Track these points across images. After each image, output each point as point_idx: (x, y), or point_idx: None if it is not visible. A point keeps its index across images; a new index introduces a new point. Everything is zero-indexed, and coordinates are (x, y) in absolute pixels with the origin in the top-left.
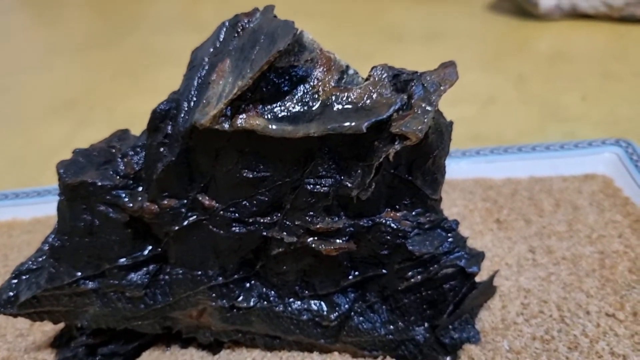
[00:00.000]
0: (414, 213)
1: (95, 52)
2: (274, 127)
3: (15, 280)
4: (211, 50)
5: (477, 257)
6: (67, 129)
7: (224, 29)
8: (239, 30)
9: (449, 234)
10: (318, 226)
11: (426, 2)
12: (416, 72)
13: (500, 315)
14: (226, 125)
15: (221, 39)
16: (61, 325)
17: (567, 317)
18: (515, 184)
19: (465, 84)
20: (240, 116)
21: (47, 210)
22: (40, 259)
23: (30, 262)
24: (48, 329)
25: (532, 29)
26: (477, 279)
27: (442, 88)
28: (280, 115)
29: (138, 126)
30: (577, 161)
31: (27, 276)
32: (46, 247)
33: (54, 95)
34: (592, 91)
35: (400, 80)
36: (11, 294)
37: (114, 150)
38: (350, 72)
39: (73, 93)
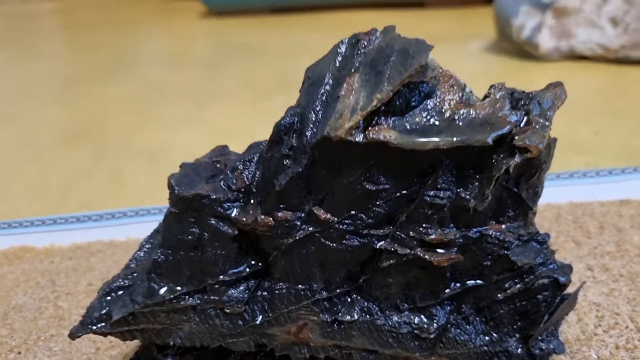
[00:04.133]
0: (515, 225)
1: (96, 86)
2: (406, 139)
3: (108, 298)
4: (331, 66)
5: (567, 268)
6: (85, 158)
7: (344, 47)
8: (361, 48)
9: (542, 246)
10: (432, 237)
11: None
12: (524, 91)
13: (579, 327)
14: (359, 137)
15: (342, 56)
16: (133, 346)
17: None
18: (556, 208)
19: None
20: (373, 128)
21: (86, 236)
22: (130, 276)
23: (120, 280)
24: (115, 353)
25: (532, 69)
26: None
27: (556, 104)
28: (409, 128)
29: (158, 155)
30: (612, 187)
31: (120, 292)
32: (133, 265)
33: (64, 126)
34: (603, 126)
35: (515, 98)
36: (103, 312)
37: (218, 165)
38: (467, 90)
39: (83, 124)
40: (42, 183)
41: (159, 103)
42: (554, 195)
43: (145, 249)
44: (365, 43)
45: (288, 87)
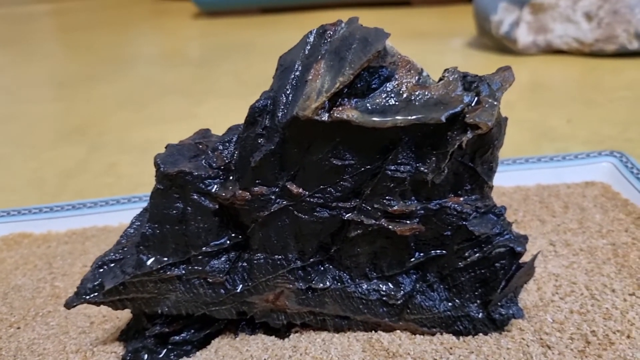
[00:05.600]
0: (473, 198)
1: (92, 85)
2: (366, 118)
3: (100, 270)
4: (301, 54)
5: (522, 239)
6: (81, 153)
7: (312, 37)
8: (327, 37)
9: (499, 218)
10: (394, 208)
11: (407, 39)
12: (476, 74)
13: (538, 295)
14: (325, 117)
15: (310, 45)
16: (126, 319)
17: (597, 294)
18: (525, 190)
19: None
20: (337, 109)
21: (81, 222)
22: (121, 251)
23: (112, 254)
24: (108, 327)
25: (511, 63)
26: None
27: (504, 86)
28: (370, 108)
29: (151, 150)
30: (578, 170)
31: (112, 265)
32: (124, 241)
33: (61, 124)
34: (575, 115)
35: (467, 81)
36: (96, 283)
37: (200, 146)
38: (424, 74)
39: (80, 121)
40: (40, 177)
41: (152, 100)
42: (523, 178)
43: (134, 226)
44: (331, 33)
45: None
